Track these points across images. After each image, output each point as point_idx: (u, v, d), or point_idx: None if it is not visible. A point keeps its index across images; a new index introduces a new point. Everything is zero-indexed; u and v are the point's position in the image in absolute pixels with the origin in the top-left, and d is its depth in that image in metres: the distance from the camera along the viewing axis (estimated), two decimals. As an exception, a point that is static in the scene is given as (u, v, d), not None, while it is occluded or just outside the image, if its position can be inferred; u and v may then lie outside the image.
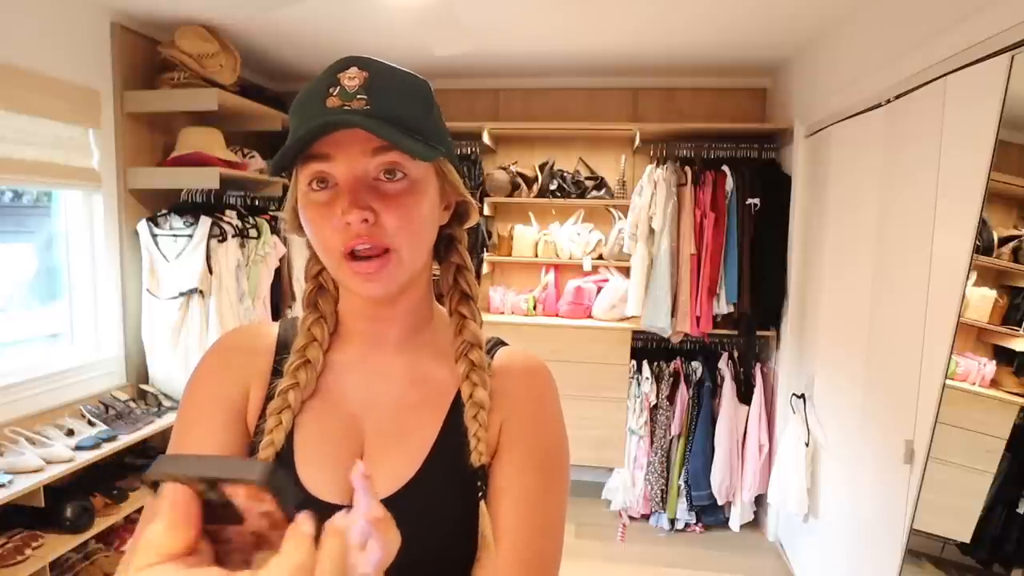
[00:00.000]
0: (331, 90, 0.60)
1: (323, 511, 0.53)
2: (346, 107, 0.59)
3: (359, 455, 0.66)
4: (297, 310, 3.22)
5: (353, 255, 0.61)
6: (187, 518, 0.37)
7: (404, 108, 0.62)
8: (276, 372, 0.69)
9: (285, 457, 0.65)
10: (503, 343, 0.75)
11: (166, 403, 2.80)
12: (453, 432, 0.66)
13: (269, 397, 0.68)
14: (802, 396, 2.84)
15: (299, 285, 3.33)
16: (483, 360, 0.68)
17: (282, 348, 0.71)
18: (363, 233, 0.60)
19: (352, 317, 0.71)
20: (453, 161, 0.69)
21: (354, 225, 0.59)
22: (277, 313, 3.20)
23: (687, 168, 3.31)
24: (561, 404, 0.72)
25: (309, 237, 0.65)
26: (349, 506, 0.52)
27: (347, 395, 0.69)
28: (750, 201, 3.20)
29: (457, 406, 0.67)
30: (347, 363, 0.70)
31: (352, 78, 0.60)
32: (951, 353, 1.65)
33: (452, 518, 0.63)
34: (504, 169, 3.68)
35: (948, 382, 1.66)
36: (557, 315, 3.68)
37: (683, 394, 3.37)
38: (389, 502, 0.58)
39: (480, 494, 0.64)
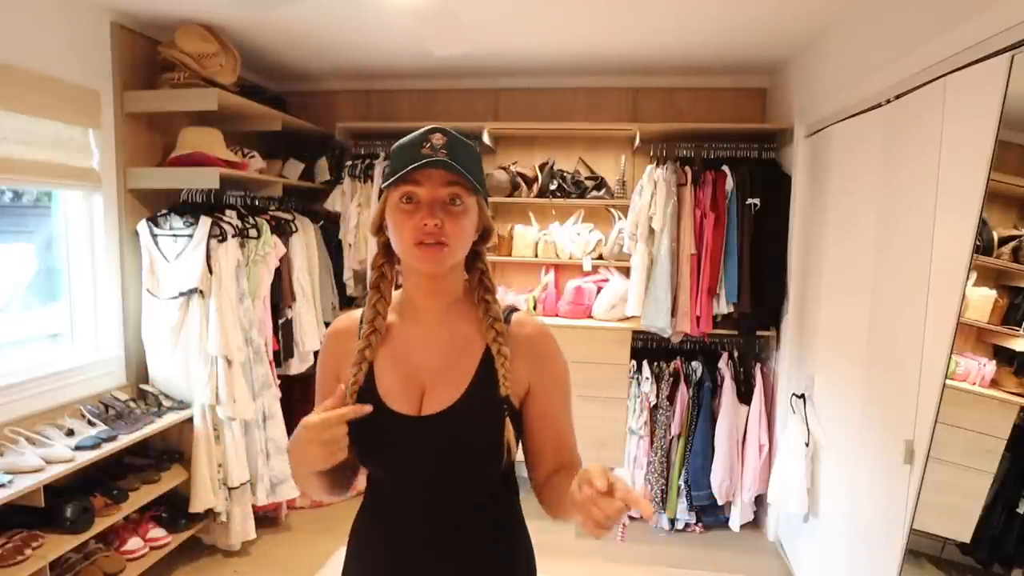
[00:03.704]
0: (424, 145, 0.94)
1: (397, 419, 0.99)
2: (435, 156, 0.93)
3: (421, 384, 1.00)
4: (297, 310, 3.28)
5: (420, 244, 0.94)
6: None
7: (468, 162, 0.96)
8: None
9: (369, 386, 1.00)
10: (515, 309, 1.09)
11: (166, 403, 2.79)
12: (484, 373, 0.99)
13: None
14: (802, 396, 2.84)
15: (299, 285, 3.33)
16: (504, 329, 1.02)
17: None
18: (432, 232, 0.93)
19: (415, 292, 1.04)
20: (487, 200, 1.05)
21: (428, 227, 0.93)
22: (277, 313, 3.20)
23: (687, 168, 3.31)
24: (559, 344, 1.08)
25: (392, 232, 0.97)
26: (416, 416, 0.99)
27: (410, 345, 1.03)
28: (750, 201, 3.20)
29: (487, 356, 1.00)
30: (410, 326, 1.04)
31: (438, 139, 0.95)
32: (951, 353, 1.64)
33: (485, 428, 0.96)
34: (504, 169, 3.68)
35: (948, 382, 1.66)
36: (557, 315, 3.68)
37: (683, 394, 3.37)
38: (443, 415, 0.97)
39: (505, 414, 0.97)
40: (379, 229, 1.03)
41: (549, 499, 1.01)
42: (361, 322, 1.05)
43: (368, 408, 0.90)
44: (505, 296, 3.76)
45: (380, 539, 1.05)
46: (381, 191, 1.00)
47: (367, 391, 0.99)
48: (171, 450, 2.82)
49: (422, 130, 0.97)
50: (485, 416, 0.97)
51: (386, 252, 1.05)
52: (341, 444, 0.88)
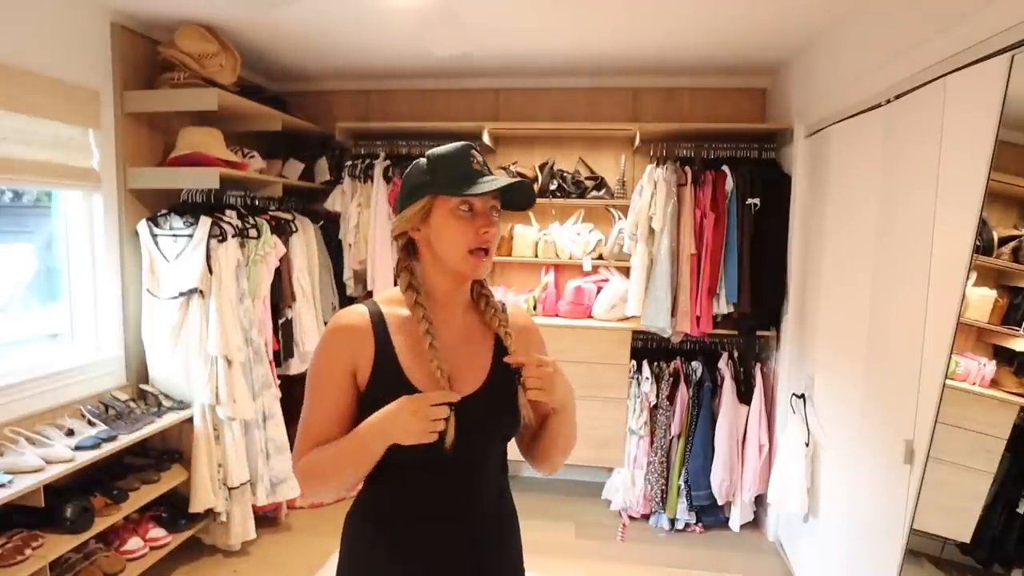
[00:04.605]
0: (473, 160, 1.08)
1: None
2: (484, 171, 1.09)
3: (447, 368, 1.09)
4: (297, 310, 3.29)
5: (474, 251, 1.07)
6: None
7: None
8: (377, 339, 1.10)
9: (400, 377, 1.09)
10: (504, 304, 1.25)
11: (166, 403, 2.79)
12: (498, 354, 1.14)
13: (377, 356, 1.09)
14: (802, 396, 2.84)
15: (299, 285, 3.33)
16: (506, 318, 1.19)
17: (376, 321, 1.12)
18: (489, 239, 1.08)
19: (438, 290, 1.14)
20: None
21: (490, 233, 1.08)
22: (277, 313, 3.20)
23: (687, 168, 3.31)
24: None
25: (442, 237, 1.08)
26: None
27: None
28: (750, 201, 3.20)
29: (498, 341, 1.16)
30: (434, 317, 1.12)
31: (479, 156, 1.10)
32: (951, 353, 1.64)
33: (510, 400, 1.10)
34: (504, 169, 3.68)
35: (948, 382, 1.66)
36: (557, 315, 3.68)
37: (683, 394, 3.37)
38: (478, 394, 1.11)
39: (518, 384, 1.08)
40: (403, 233, 1.13)
41: (536, 446, 1.20)
42: (374, 323, 1.12)
43: (457, 397, 1.03)
44: (505, 296, 3.77)
45: (397, 521, 1.12)
46: (412, 196, 1.10)
47: (399, 382, 1.08)
48: (171, 450, 2.82)
49: (460, 145, 1.10)
50: (508, 390, 1.10)
51: (407, 253, 1.16)
52: (439, 425, 0.99)
